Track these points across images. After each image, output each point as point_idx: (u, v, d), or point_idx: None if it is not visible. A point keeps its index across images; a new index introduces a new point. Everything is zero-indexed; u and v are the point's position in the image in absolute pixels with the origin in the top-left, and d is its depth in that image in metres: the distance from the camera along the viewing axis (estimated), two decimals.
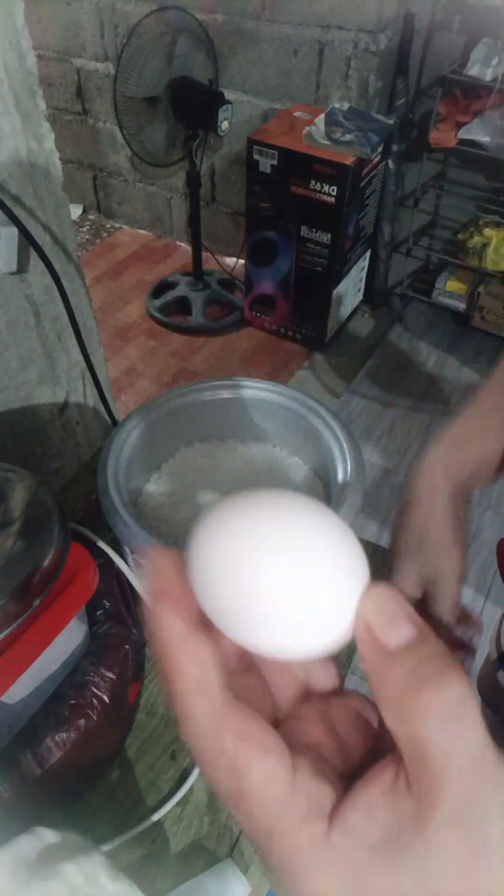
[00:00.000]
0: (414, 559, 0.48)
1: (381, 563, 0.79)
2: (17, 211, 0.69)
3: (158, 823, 0.57)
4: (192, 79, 1.89)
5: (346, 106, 1.91)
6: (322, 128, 1.84)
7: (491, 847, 0.18)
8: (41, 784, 0.51)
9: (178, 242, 2.77)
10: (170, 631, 0.21)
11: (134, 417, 0.67)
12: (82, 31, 2.34)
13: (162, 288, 2.47)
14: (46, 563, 0.48)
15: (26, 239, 0.67)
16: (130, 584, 0.62)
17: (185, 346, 2.31)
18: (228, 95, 1.96)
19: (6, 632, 0.45)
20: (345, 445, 0.63)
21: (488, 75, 1.77)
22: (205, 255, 2.33)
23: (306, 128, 1.89)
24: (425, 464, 0.51)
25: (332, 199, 1.90)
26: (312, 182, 1.90)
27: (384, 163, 2.04)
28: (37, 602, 0.47)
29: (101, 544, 0.63)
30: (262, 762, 0.20)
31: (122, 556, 0.62)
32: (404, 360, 2.30)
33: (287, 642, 0.21)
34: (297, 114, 2.00)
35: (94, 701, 0.53)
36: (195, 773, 0.60)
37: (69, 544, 0.51)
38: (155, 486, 0.69)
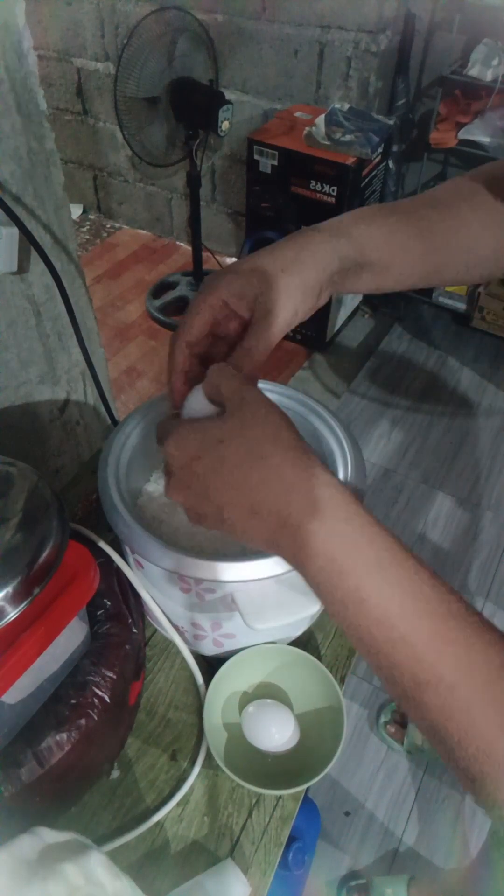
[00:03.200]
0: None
1: None
2: (18, 211, 0.69)
3: (158, 823, 0.57)
4: (192, 79, 1.89)
5: (346, 106, 1.91)
6: (322, 128, 1.84)
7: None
8: (41, 784, 0.51)
9: (178, 242, 2.77)
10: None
11: (134, 417, 0.67)
12: (82, 31, 2.34)
13: (162, 288, 2.47)
14: (46, 553, 0.48)
15: (27, 239, 0.67)
16: (131, 584, 0.62)
17: None
18: (228, 95, 1.96)
19: (7, 619, 0.45)
20: (345, 445, 0.63)
21: (488, 76, 1.77)
22: (205, 255, 2.33)
23: (306, 128, 1.89)
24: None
25: (333, 200, 1.90)
26: (312, 182, 1.90)
27: (384, 163, 2.04)
28: (37, 591, 0.47)
29: (101, 544, 0.63)
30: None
31: (122, 555, 0.63)
32: (404, 360, 2.30)
33: None
34: (297, 114, 2.00)
35: (95, 701, 0.53)
36: (195, 772, 0.60)
37: (68, 535, 0.51)
38: (155, 486, 0.69)
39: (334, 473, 0.38)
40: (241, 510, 0.38)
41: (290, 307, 0.43)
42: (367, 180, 1.96)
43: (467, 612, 0.34)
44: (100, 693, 0.54)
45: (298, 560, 0.37)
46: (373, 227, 0.47)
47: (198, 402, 0.44)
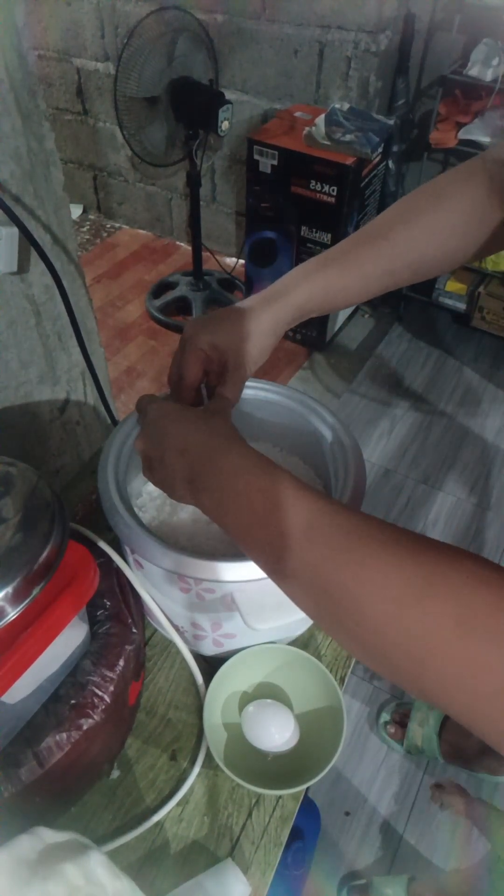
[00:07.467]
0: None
1: None
2: (18, 211, 0.69)
3: (158, 823, 0.57)
4: (192, 79, 1.89)
5: (346, 106, 1.91)
6: (322, 128, 1.84)
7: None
8: (41, 784, 0.51)
9: (178, 242, 2.77)
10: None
11: (134, 417, 0.67)
12: (82, 31, 2.34)
13: (162, 288, 2.47)
14: (46, 553, 0.48)
15: (27, 239, 0.67)
16: (130, 584, 0.62)
17: None
18: (228, 95, 1.96)
19: (7, 619, 0.45)
20: (345, 445, 0.63)
21: (488, 75, 1.77)
22: (205, 255, 2.33)
23: (306, 128, 1.89)
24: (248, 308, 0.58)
25: (332, 200, 1.90)
26: (312, 182, 1.90)
27: (384, 163, 2.04)
28: (36, 591, 0.47)
29: (101, 544, 0.63)
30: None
31: (122, 556, 0.63)
32: (404, 360, 2.30)
33: None
34: (297, 114, 2.00)
35: (95, 701, 0.53)
36: (195, 772, 0.60)
37: (68, 535, 0.51)
38: (155, 486, 0.69)
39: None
40: (175, 451, 0.47)
41: (251, 360, 0.56)
42: (367, 180, 1.96)
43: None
44: (99, 693, 0.54)
45: (208, 483, 0.44)
46: (310, 283, 0.57)
47: None
